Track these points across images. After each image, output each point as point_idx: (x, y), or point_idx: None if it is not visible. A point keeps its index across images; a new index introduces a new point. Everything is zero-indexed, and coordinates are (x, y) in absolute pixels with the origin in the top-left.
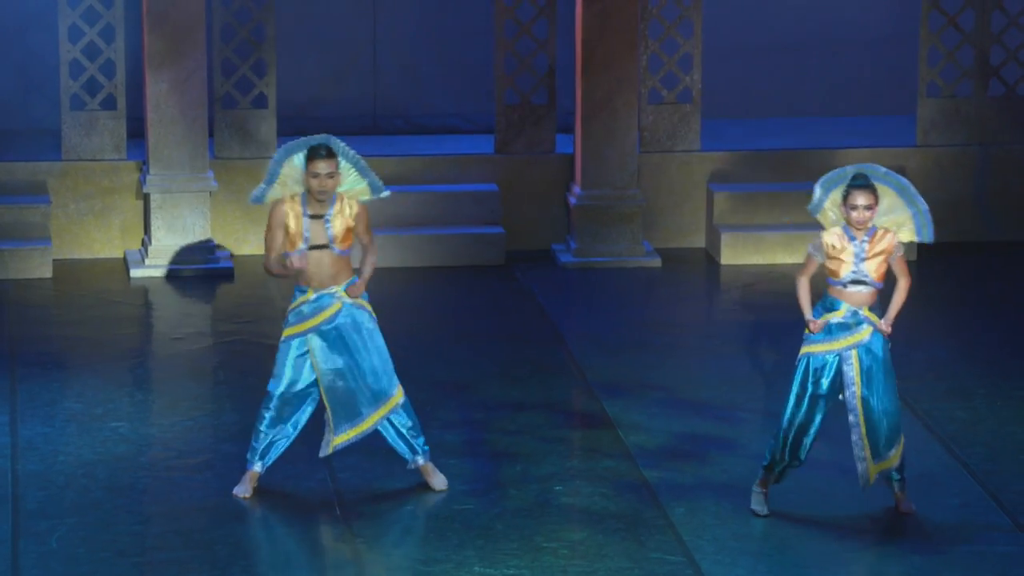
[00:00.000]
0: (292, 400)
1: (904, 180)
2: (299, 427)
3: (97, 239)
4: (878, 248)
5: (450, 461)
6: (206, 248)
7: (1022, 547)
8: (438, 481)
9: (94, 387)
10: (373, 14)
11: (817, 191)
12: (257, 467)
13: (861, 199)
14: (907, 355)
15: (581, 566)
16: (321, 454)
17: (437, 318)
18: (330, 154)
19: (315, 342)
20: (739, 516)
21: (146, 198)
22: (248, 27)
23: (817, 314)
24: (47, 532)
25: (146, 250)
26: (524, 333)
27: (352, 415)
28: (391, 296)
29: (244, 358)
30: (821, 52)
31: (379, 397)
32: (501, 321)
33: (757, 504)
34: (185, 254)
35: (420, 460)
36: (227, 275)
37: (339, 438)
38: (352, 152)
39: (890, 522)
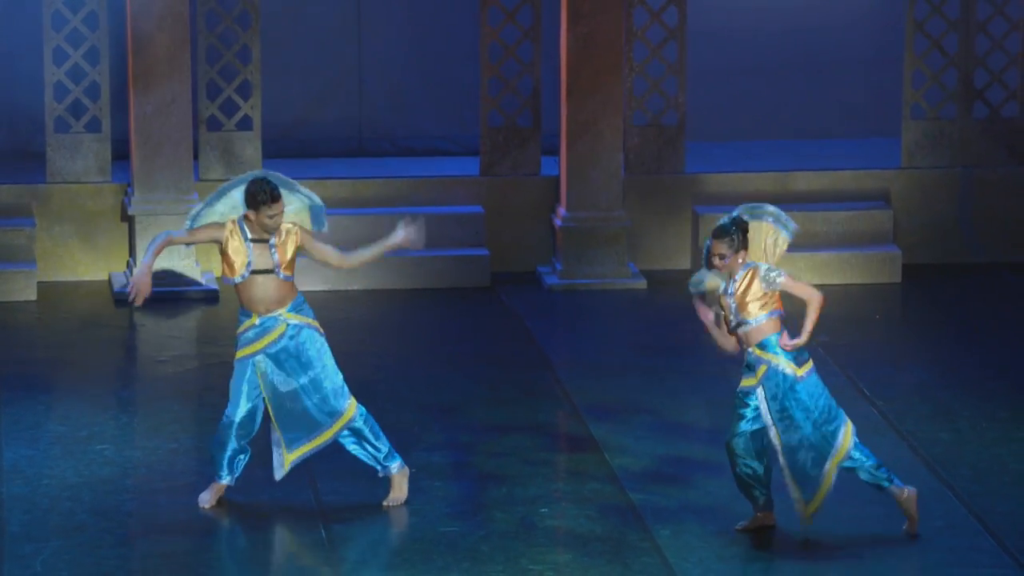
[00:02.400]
0: (248, 423)
1: (761, 205)
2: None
3: (82, 261)
4: (742, 288)
5: (436, 483)
6: (191, 270)
7: (1007, 569)
8: (400, 494)
9: (79, 410)
10: (358, 37)
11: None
12: (226, 479)
13: (717, 248)
14: (891, 377)
15: None
16: (277, 477)
17: (422, 340)
18: (276, 195)
19: (264, 365)
20: (724, 538)
21: (131, 220)
22: (233, 49)
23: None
24: (32, 555)
25: (131, 272)
26: (509, 355)
27: (309, 429)
28: (376, 318)
29: (229, 380)
30: (806, 75)
31: (332, 415)
32: (486, 343)
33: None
34: (170, 276)
35: (393, 470)
36: (212, 297)
37: (294, 454)
38: (293, 183)
39: (875, 543)
